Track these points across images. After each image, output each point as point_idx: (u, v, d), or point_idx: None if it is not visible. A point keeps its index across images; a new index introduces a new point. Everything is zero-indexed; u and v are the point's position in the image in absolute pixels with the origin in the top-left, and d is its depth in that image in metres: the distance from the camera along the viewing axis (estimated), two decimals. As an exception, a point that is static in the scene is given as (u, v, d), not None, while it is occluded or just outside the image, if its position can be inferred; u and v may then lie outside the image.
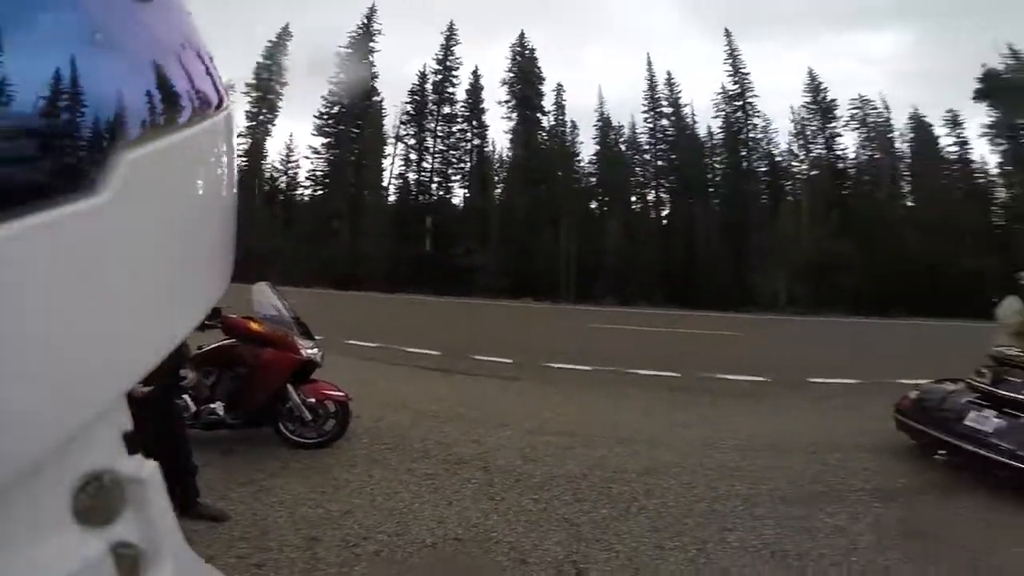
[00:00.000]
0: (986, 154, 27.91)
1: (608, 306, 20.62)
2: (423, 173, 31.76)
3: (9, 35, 0.24)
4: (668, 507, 2.91)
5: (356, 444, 3.60)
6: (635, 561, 2.37)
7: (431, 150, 31.86)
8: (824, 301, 20.63)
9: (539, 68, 31.86)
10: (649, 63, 32.18)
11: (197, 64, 0.37)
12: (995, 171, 27.41)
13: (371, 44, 31.20)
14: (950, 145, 28.62)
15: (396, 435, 3.85)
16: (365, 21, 31.13)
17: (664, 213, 31.35)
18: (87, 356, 0.28)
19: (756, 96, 31.23)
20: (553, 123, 31.72)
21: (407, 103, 31.91)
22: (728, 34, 32.16)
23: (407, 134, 31.89)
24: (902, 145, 29.39)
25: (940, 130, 28.91)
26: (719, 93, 31.54)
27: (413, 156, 31.83)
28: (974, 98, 27.90)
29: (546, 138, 31.39)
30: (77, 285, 0.26)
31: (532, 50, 31.86)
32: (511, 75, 31.70)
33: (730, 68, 31.88)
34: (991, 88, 27.44)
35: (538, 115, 31.31)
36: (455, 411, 4.54)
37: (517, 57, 31.97)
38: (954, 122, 28.82)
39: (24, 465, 0.26)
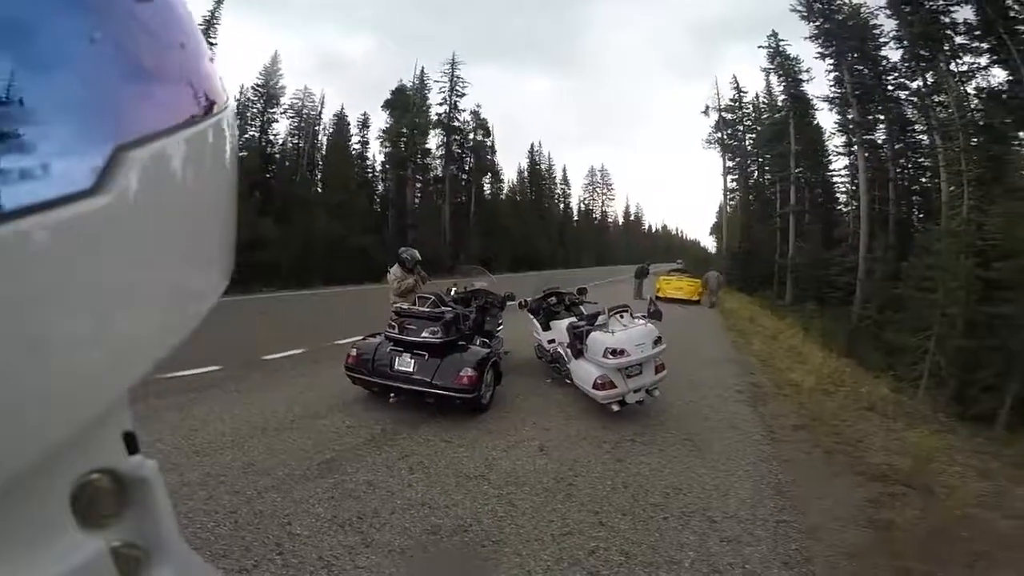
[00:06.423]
0: (377, 153, 37.30)
1: None
2: None
3: (8, 34, 0.25)
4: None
5: None
6: None
7: None
8: (253, 276, 21.43)
9: None
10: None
11: (198, 64, 0.37)
12: (379, 168, 37.18)
13: None
14: (356, 143, 36.25)
15: None
16: None
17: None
18: (88, 356, 0.28)
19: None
20: None
21: None
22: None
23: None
24: (323, 137, 34.46)
25: (354, 128, 35.91)
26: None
27: None
28: (383, 106, 36.59)
29: None
30: (78, 285, 0.27)
31: None
32: None
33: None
34: (395, 101, 36.66)
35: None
36: None
37: None
38: (364, 124, 36.65)
39: (24, 465, 0.26)
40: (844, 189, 29.90)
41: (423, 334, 4.59)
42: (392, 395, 4.63)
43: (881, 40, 26.22)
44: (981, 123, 21.54)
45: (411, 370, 4.49)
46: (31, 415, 0.25)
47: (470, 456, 3.77)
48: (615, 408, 4.61)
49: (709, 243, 57.23)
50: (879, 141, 27.03)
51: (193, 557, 0.40)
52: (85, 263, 0.27)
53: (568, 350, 5.30)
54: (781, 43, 32.50)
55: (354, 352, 4.79)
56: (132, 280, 0.30)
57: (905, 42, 24.76)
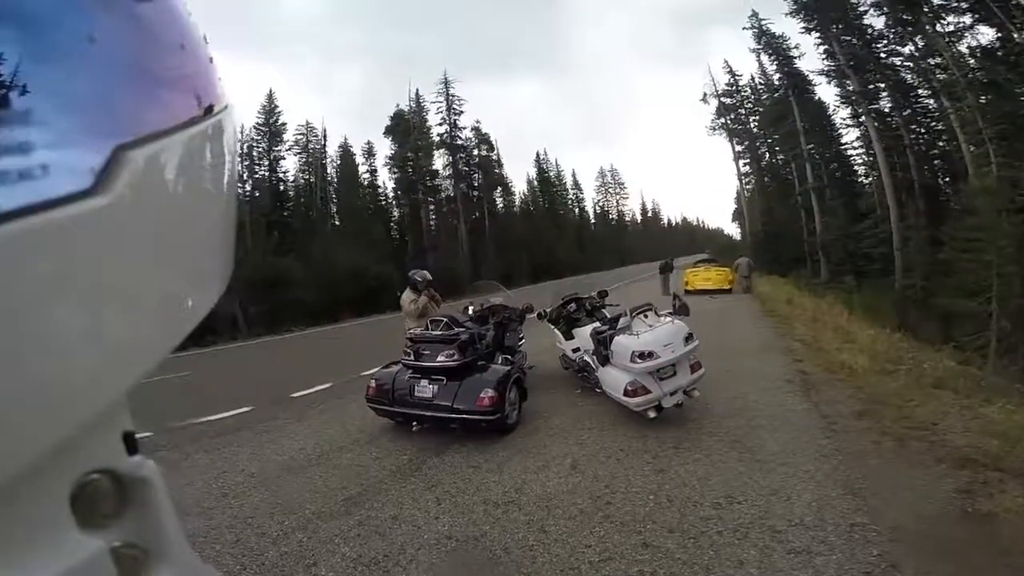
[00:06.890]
0: (387, 180, 38.00)
1: None
2: None
3: (8, 34, 0.25)
4: None
5: None
6: None
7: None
8: (281, 317, 21.49)
9: None
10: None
11: (198, 64, 0.37)
12: (391, 194, 37.84)
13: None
14: (365, 172, 37.08)
15: None
16: None
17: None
18: (87, 356, 0.28)
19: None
20: None
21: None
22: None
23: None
24: (332, 170, 35.31)
25: (360, 158, 36.78)
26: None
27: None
28: (384, 133, 37.34)
29: None
30: (77, 285, 0.27)
31: None
32: None
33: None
34: (395, 127, 37.29)
35: None
36: None
37: None
38: (369, 152, 37.48)
39: (24, 465, 0.26)
40: (861, 161, 28.88)
41: (439, 358, 4.40)
42: (415, 423, 4.45)
43: (861, 9, 25.59)
44: (985, 81, 20.52)
45: (431, 396, 4.30)
46: (31, 415, 0.25)
47: (498, 481, 3.52)
48: (651, 415, 4.28)
49: (732, 229, 55.85)
50: (886, 109, 26.07)
51: (194, 557, 0.39)
52: (84, 263, 0.27)
53: (594, 357, 5.01)
54: (764, 22, 32.20)
55: (373, 383, 4.69)
56: (131, 280, 0.30)
57: (885, 8, 24.05)
